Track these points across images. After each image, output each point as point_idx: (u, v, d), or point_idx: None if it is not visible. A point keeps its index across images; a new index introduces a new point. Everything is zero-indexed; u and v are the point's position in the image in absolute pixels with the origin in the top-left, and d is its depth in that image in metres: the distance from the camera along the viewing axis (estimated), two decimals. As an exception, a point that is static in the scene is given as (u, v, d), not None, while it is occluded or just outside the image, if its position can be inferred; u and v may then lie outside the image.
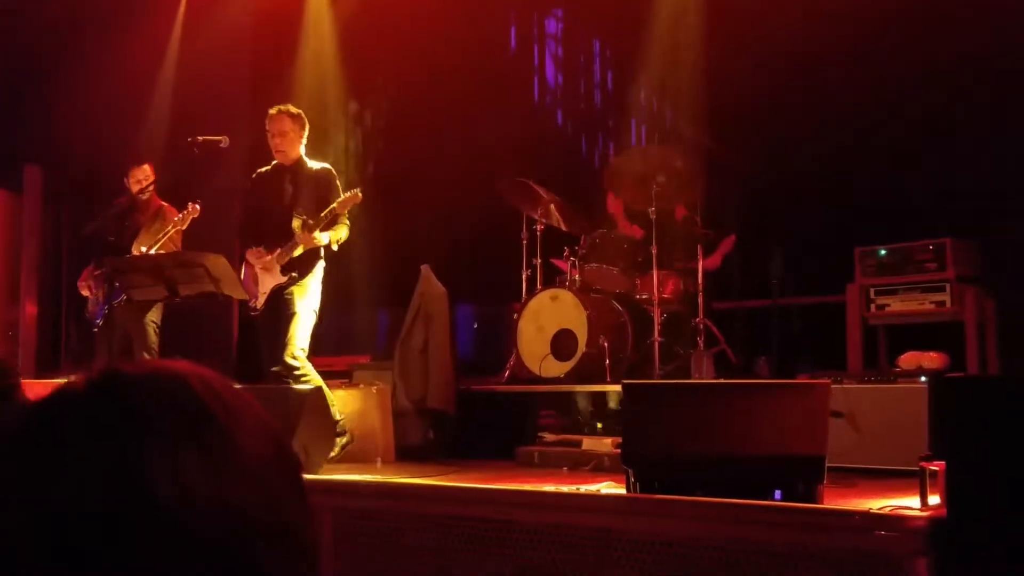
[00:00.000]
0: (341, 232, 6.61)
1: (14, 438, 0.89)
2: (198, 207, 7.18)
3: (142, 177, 7.60)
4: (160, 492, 0.84)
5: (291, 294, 6.54)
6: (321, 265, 6.68)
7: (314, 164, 6.80)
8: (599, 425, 7.25)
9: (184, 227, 7.24)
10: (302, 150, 6.76)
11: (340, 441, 6.51)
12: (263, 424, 0.95)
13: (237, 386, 0.97)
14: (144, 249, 7.24)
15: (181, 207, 7.36)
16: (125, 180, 7.66)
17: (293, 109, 6.78)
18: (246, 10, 9.73)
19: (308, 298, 6.57)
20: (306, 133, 6.77)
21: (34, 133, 9.66)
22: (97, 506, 0.84)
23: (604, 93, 9.16)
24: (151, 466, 0.85)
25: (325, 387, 6.51)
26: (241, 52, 9.92)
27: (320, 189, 6.66)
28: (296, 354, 6.43)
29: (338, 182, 6.75)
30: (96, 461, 0.85)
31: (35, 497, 0.85)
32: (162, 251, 7.18)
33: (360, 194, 6.56)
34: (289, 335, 6.45)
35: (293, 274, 6.55)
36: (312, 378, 6.44)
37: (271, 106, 6.77)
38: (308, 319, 6.55)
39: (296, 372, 6.39)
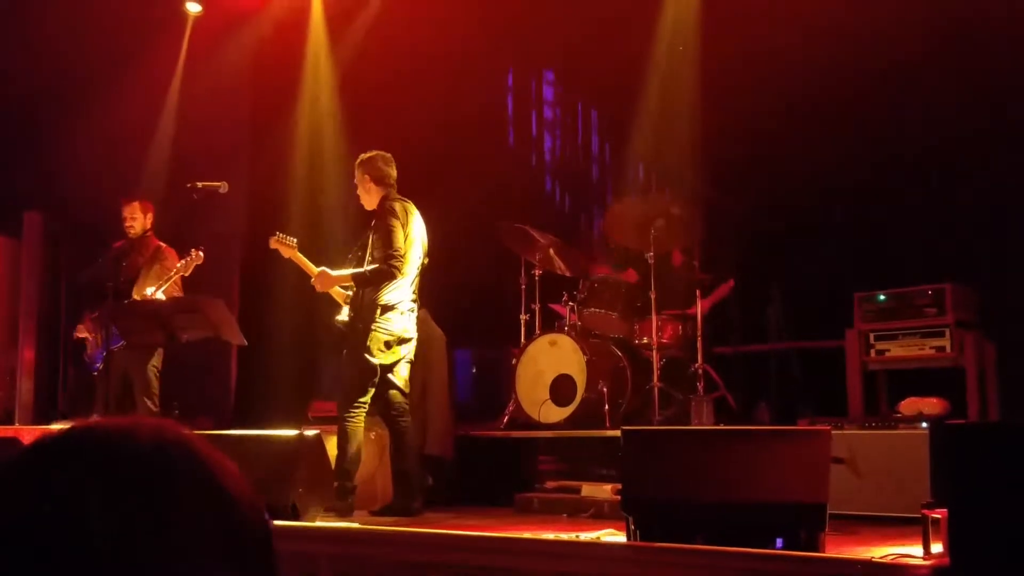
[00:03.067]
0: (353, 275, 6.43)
1: None
2: (201, 254, 7.14)
3: (127, 214, 7.60)
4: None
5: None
6: (378, 314, 6.34)
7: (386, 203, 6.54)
8: None
9: (187, 273, 7.20)
10: (387, 192, 6.54)
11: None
12: (230, 497, 0.98)
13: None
14: (149, 291, 7.19)
15: (180, 252, 7.35)
16: (121, 221, 7.67)
17: (360, 157, 6.67)
18: (246, 56, 9.78)
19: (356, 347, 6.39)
20: (377, 175, 6.53)
21: (34, 178, 9.68)
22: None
23: (601, 140, 9.20)
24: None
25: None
26: (241, 98, 9.96)
27: (372, 229, 6.52)
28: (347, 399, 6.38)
29: (388, 217, 6.40)
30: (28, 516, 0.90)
31: None
32: (163, 295, 7.17)
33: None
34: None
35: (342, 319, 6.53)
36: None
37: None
38: (350, 367, 6.42)
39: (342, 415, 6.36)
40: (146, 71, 9.65)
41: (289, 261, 6.72)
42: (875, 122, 7.61)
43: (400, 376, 6.50)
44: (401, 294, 6.39)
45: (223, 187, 6.98)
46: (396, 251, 6.30)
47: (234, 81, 9.76)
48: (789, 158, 7.79)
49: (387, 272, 6.29)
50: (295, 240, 6.69)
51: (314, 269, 6.55)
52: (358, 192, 6.65)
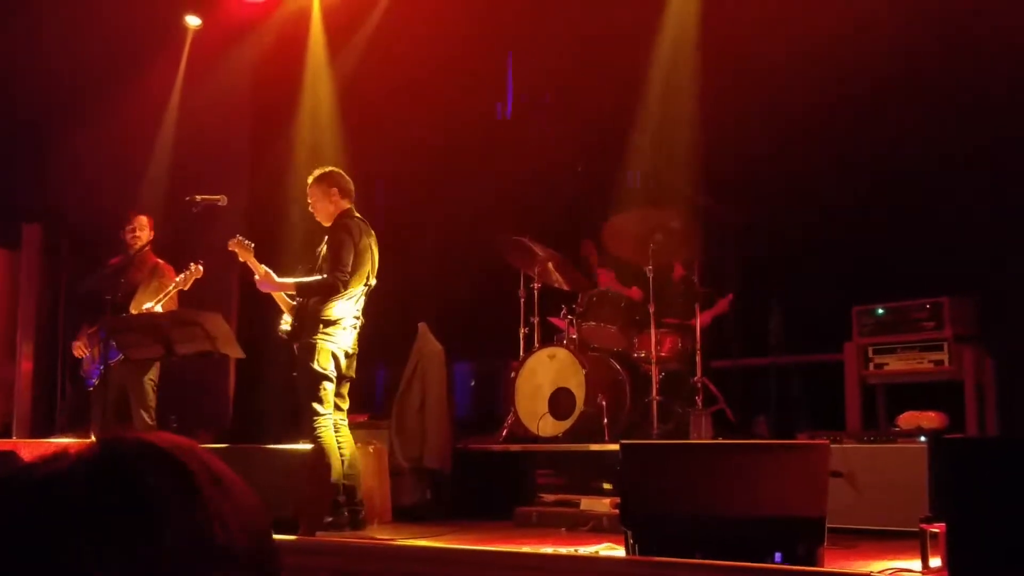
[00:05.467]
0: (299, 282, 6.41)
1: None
2: (201, 268, 7.12)
3: (135, 225, 7.56)
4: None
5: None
6: (321, 327, 6.27)
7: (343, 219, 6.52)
8: None
9: (187, 287, 7.17)
10: (348, 209, 6.51)
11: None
12: (242, 511, 0.99)
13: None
14: (147, 307, 7.19)
15: (178, 265, 7.33)
16: (122, 234, 7.63)
17: (317, 172, 6.64)
18: (246, 69, 9.80)
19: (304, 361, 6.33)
20: (344, 187, 6.52)
21: (33, 191, 9.69)
22: None
23: (601, 153, 9.19)
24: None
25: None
26: (241, 110, 9.98)
27: (324, 242, 6.49)
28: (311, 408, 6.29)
29: (341, 232, 6.36)
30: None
31: None
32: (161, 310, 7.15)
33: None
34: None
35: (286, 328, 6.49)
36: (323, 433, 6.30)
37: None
38: (303, 382, 6.34)
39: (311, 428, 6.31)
40: (146, 84, 9.67)
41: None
42: (874, 136, 7.62)
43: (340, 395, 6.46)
44: (345, 310, 6.35)
45: (222, 200, 6.95)
46: (344, 266, 6.28)
47: (234, 94, 9.78)
48: (788, 172, 7.80)
49: (332, 285, 6.26)
50: (252, 244, 6.64)
51: (261, 269, 6.44)
52: (317, 207, 6.56)
